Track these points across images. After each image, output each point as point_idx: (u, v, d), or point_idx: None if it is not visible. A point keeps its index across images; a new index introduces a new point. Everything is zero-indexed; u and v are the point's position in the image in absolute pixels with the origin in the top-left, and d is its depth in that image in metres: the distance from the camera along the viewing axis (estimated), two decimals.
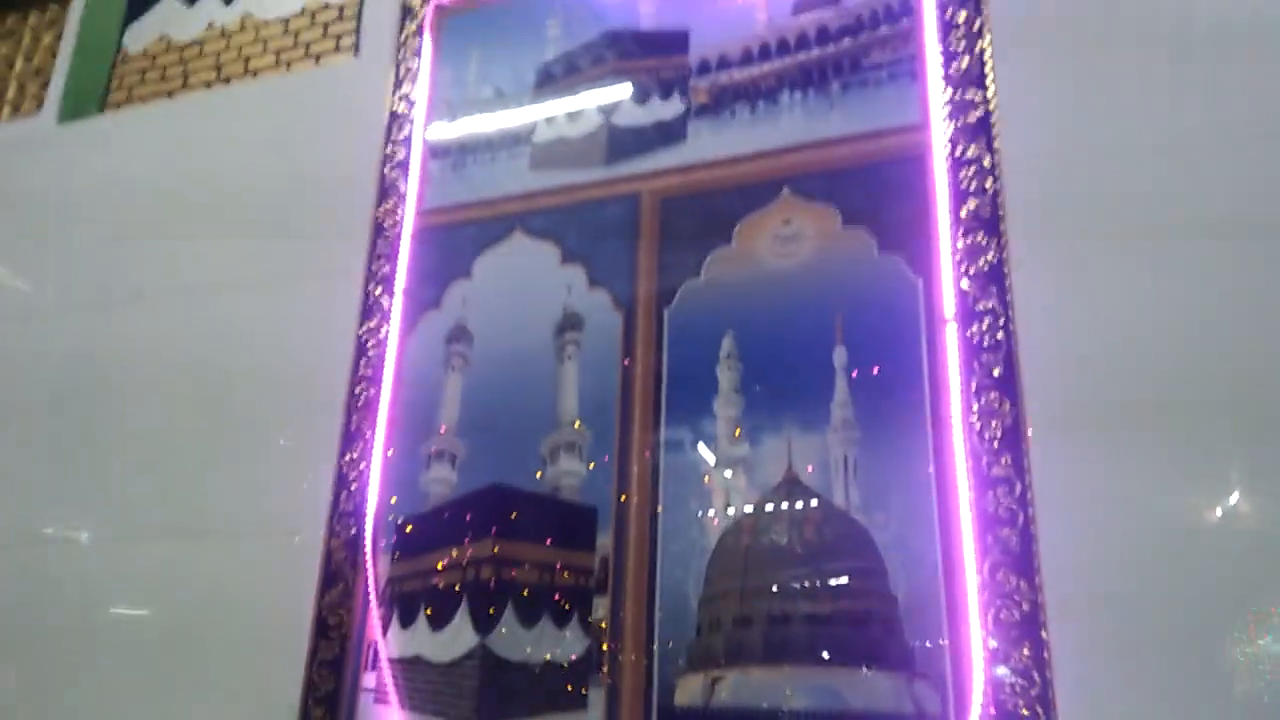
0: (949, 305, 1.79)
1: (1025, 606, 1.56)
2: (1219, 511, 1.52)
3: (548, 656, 1.91)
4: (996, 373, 1.70)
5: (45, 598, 2.44)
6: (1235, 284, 1.64)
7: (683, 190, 2.20)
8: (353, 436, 2.26)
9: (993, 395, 1.69)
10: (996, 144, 1.88)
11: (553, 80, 2.48)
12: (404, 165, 2.51)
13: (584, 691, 1.85)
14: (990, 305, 1.76)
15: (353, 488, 2.22)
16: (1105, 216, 1.76)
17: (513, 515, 2.07)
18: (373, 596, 2.11)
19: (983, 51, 1.95)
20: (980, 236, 1.82)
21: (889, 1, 2.11)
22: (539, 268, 2.28)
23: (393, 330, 2.34)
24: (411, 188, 2.48)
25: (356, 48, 2.77)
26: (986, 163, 1.87)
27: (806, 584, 1.74)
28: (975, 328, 1.76)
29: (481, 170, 2.46)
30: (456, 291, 2.35)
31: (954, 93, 1.95)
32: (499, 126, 2.49)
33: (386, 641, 2.07)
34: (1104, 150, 1.80)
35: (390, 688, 2.02)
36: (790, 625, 1.73)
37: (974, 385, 1.72)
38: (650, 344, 2.07)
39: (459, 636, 2.01)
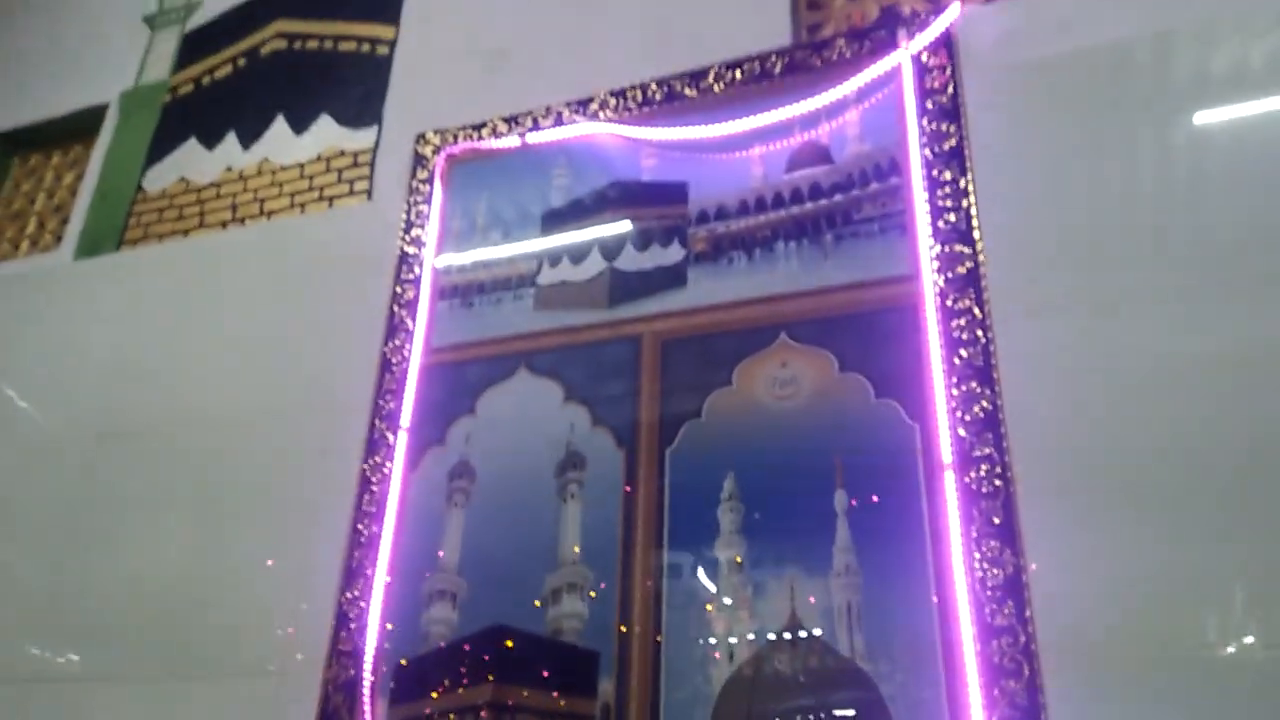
0: (946, 452, 1.84)
1: None
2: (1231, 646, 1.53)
3: None
4: (996, 520, 1.74)
5: None
6: (1233, 419, 1.70)
7: (683, 332, 2.28)
8: (354, 574, 2.26)
9: (993, 543, 1.72)
10: (986, 295, 1.97)
11: (558, 225, 2.59)
12: (412, 305, 2.59)
13: None
14: (987, 452, 1.81)
15: (352, 626, 2.20)
16: (1093, 365, 1.83)
17: (513, 658, 2.06)
18: None
19: (969, 208, 2.06)
20: (974, 384, 1.89)
21: (878, 160, 2.24)
22: (543, 406, 2.33)
23: (396, 466, 2.37)
24: (419, 326, 2.55)
25: (369, 192, 2.90)
26: (977, 313, 1.95)
27: None
28: (973, 474, 1.80)
29: (488, 310, 2.54)
30: (461, 428, 2.39)
31: (943, 247, 2.05)
32: (505, 268, 2.58)
33: None
34: (1091, 302, 1.89)
35: None
36: None
37: (974, 532, 1.75)
38: (652, 484, 2.10)
39: None
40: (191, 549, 2.51)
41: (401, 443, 2.40)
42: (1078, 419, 1.79)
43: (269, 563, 2.39)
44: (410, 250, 2.68)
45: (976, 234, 2.03)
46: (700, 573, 1.97)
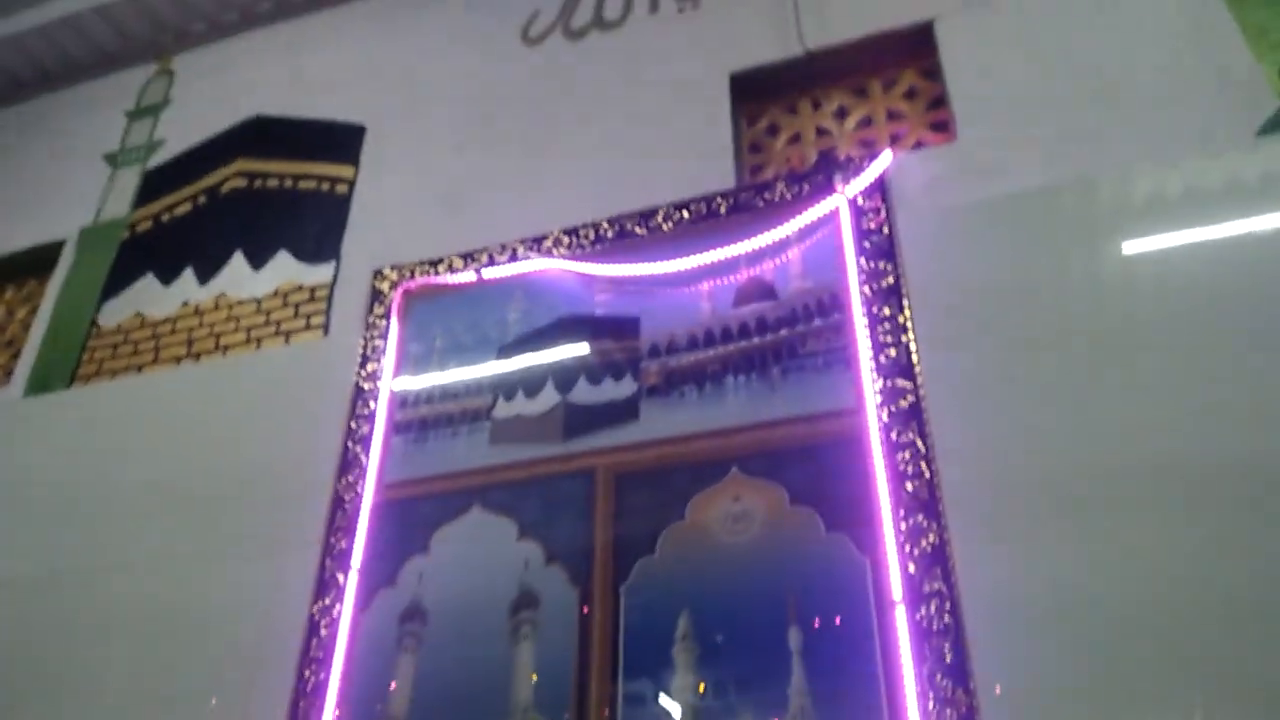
0: (897, 588, 1.85)
1: None
2: None
3: None
4: (948, 658, 1.74)
5: None
6: (1172, 549, 1.74)
7: (636, 466, 2.30)
8: None
9: (944, 681, 1.72)
10: (929, 429, 2.02)
11: (514, 358, 2.62)
12: (366, 440, 2.59)
13: None
14: (937, 587, 1.83)
15: None
16: (1036, 497, 1.88)
17: None
18: None
19: (908, 344, 2.14)
20: (921, 519, 1.92)
21: (821, 297, 2.33)
22: (496, 543, 2.31)
23: (346, 609, 2.32)
24: (373, 462, 2.54)
25: (326, 327, 2.93)
26: (921, 447, 2.00)
27: None
28: (924, 610, 1.81)
29: (442, 445, 2.55)
30: (413, 568, 2.36)
31: (885, 381, 2.11)
32: (461, 403, 2.60)
33: None
34: (1030, 434, 1.95)
35: None
36: None
37: (926, 670, 1.74)
38: (606, 623, 2.08)
39: None
40: (131, 693, 2.41)
41: (352, 583, 2.36)
42: (1025, 549, 1.82)
43: (212, 701, 2.30)
44: (366, 385, 2.69)
45: (917, 369, 2.10)
46: (656, 715, 1.93)
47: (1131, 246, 2.10)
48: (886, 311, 2.20)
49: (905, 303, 2.19)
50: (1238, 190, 2.06)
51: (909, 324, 2.16)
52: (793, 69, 2.81)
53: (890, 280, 2.23)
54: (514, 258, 2.74)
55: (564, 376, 2.52)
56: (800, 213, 2.43)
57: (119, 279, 3.36)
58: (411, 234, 2.97)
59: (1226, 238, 2.03)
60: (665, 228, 2.59)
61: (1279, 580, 1.67)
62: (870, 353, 2.15)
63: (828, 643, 1.87)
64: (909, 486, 1.97)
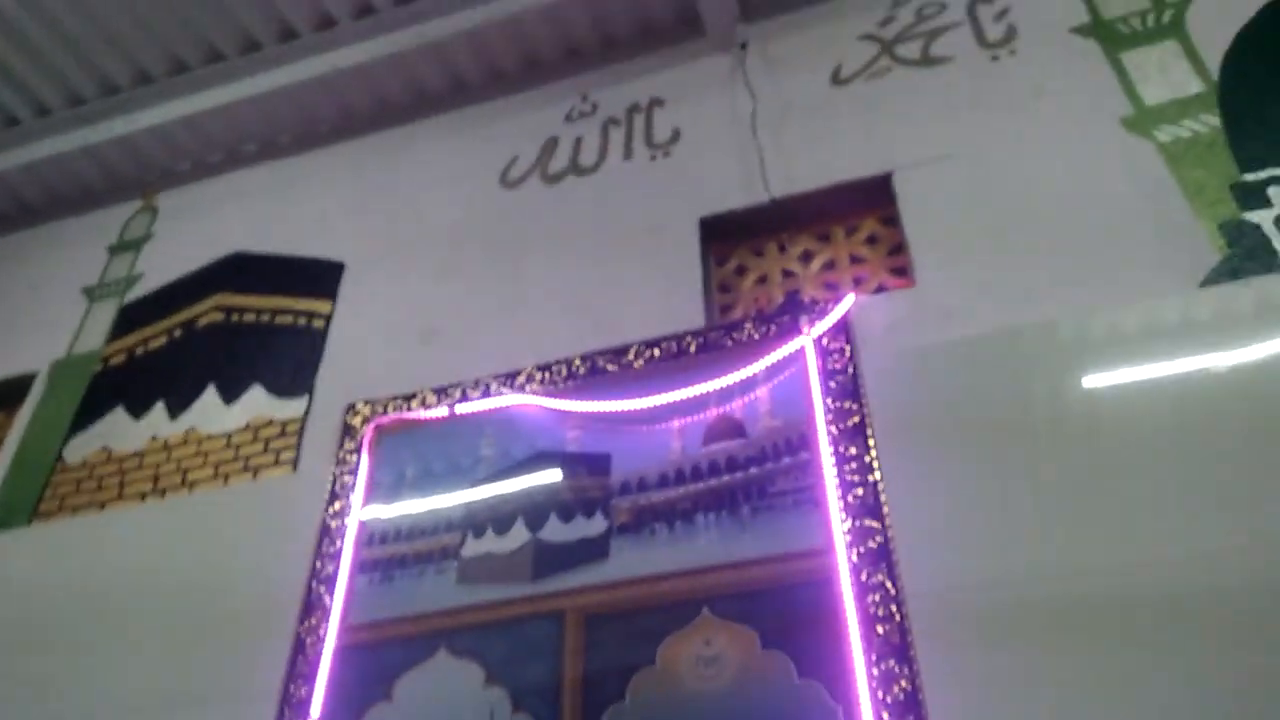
0: None
1: None
2: None
3: None
4: None
5: None
6: (1150, 686, 1.73)
7: (606, 608, 2.26)
8: None
9: None
10: (898, 570, 2.02)
11: (483, 492, 2.61)
12: (331, 580, 2.54)
13: None
14: None
15: None
16: (1006, 639, 1.87)
17: None
18: None
19: (875, 483, 2.16)
20: (892, 664, 1.89)
21: (789, 435, 2.36)
22: (462, 690, 2.25)
23: None
24: (336, 604, 2.49)
25: (296, 462, 2.91)
26: (890, 589, 2.00)
27: None
28: None
29: (409, 584, 2.50)
30: (376, 715, 2.28)
31: (853, 521, 2.12)
32: (429, 541, 2.57)
33: None
34: (999, 579, 1.95)
35: None
36: None
37: None
38: None
39: None
40: None
41: None
42: (998, 694, 1.80)
43: None
44: (333, 523, 2.66)
45: (885, 509, 2.12)
46: None
47: (1092, 381, 2.16)
48: (853, 450, 2.23)
49: (871, 442, 2.22)
50: (1192, 328, 2.15)
51: (875, 463, 2.19)
52: (759, 215, 2.93)
53: (856, 420, 2.27)
54: (487, 393, 2.77)
55: (535, 514, 2.50)
56: (768, 352, 2.49)
57: (89, 413, 3.34)
58: (386, 368, 3.00)
59: (1184, 372, 2.09)
60: (637, 365, 2.64)
61: (1252, 714, 1.67)
62: (839, 493, 2.17)
63: None
64: (880, 630, 1.95)
